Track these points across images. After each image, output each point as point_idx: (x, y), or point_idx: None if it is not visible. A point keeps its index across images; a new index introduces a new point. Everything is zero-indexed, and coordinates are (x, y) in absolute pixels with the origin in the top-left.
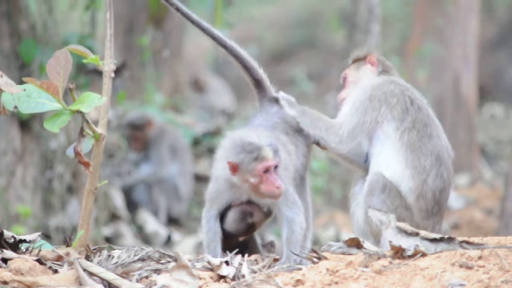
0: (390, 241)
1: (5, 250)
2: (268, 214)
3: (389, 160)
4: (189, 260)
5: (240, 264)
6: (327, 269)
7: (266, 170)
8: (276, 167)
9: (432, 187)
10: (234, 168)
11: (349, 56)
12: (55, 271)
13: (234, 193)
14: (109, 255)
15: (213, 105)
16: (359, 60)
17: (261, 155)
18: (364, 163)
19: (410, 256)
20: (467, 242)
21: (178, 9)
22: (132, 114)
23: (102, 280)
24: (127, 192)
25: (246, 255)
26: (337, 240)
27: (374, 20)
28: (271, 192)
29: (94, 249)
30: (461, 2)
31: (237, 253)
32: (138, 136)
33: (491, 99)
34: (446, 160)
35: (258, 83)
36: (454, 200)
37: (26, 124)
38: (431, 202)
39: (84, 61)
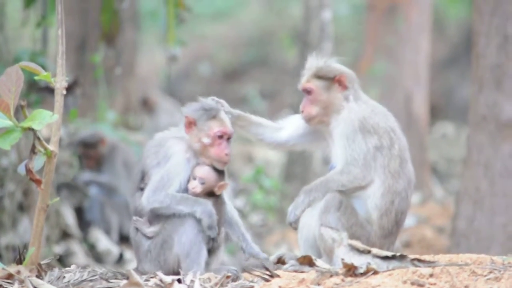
0: (342, 259)
1: None
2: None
3: None
4: (141, 278)
5: (192, 282)
6: (280, 287)
7: (221, 136)
8: (229, 138)
9: (397, 208)
10: (190, 124)
11: (311, 65)
12: None
13: (191, 165)
14: (60, 276)
15: (164, 125)
16: (327, 78)
17: (219, 117)
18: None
19: (362, 274)
20: (419, 260)
21: None
22: (84, 132)
23: None
24: (79, 211)
25: (198, 272)
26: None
27: (326, 39)
28: (220, 157)
29: (44, 264)
30: (412, 21)
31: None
32: (91, 153)
33: (443, 118)
34: (412, 184)
35: None
36: (406, 218)
37: None
38: (393, 222)
39: (36, 78)
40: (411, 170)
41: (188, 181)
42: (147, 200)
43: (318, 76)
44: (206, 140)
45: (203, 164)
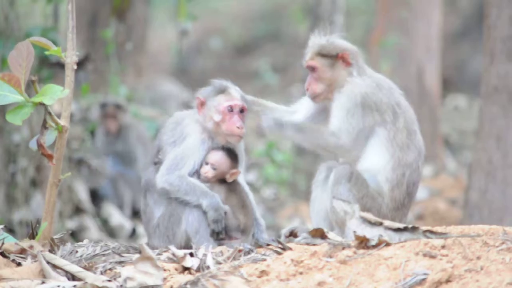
0: (354, 231)
1: None
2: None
3: (372, 155)
4: (154, 252)
5: (205, 255)
6: (292, 260)
7: (231, 109)
8: (242, 110)
9: (409, 179)
10: (201, 104)
11: (314, 43)
12: (19, 264)
13: (206, 147)
14: (73, 250)
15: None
16: (330, 56)
17: (227, 91)
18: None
19: (374, 246)
20: (431, 232)
21: None
22: (107, 97)
23: (66, 273)
24: (92, 187)
25: (210, 246)
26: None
27: (338, 12)
28: (231, 131)
29: (57, 239)
30: None
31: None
32: (118, 116)
33: (455, 90)
34: (423, 154)
35: None
36: (418, 191)
37: None
38: (404, 193)
39: (47, 53)
40: (421, 140)
41: (202, 164)
42: (160, 178)
43: (322, 54)
44: (216, 117)
45: (217, 149)
